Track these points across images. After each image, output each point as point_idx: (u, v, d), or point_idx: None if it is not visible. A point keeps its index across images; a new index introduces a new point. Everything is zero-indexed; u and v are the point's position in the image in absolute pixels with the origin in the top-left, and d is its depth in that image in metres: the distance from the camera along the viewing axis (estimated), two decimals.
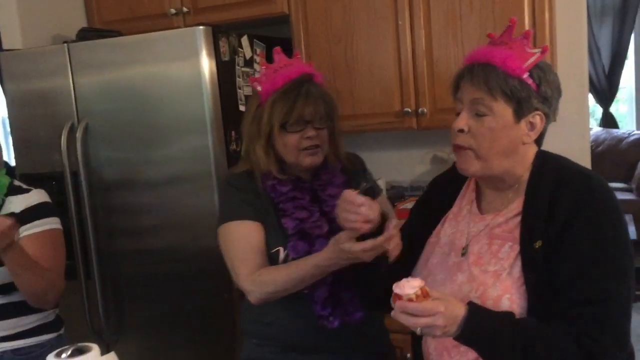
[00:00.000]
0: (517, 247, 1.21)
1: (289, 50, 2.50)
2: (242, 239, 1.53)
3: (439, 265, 1.32)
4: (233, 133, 2.21)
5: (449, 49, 2.27)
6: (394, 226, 1.27)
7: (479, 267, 1.25)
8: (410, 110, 2.35)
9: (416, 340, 1.38)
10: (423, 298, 1.08)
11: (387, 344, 1.77)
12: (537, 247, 1.17)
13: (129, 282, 2.32)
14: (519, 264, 1.19)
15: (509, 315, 1.16)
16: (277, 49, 1.62)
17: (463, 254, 1.28)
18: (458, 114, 1.25)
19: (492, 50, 1.22)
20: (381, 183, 2.57)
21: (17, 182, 1.86)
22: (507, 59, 1.19)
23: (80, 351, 1.06)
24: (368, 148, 2.76)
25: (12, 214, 1.69)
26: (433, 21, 2.29)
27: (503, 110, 1.20)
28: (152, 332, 2.32)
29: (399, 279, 1.11)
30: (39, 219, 1.79)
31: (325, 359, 1.60)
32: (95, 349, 1.07)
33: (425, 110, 2.33)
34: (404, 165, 2.74)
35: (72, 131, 2.28)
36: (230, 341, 2.17)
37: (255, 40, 2.36)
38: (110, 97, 2.26)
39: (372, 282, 1.40)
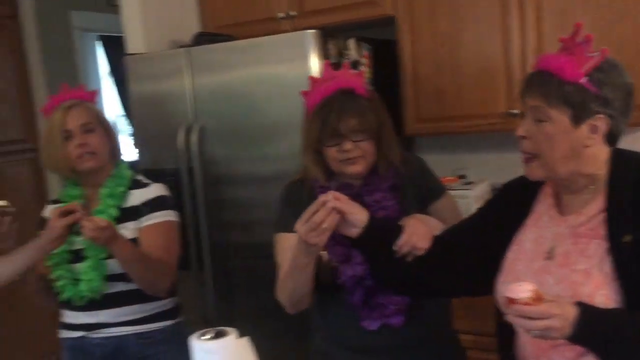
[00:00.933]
0: (604, 244, 1.23)
1: (393, 52, 2.55)
2: (288, 252, 1.58)
3: (525, 270, 1.33)
4: None
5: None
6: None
7: (567, 267, 1.26)
8: (516, 112, 2.32)
9: (504, 343, 1.39)
10: (538, 301, 1.09)
11: (456, 345, 1.76)
12: (626, 241, 1.19)
13: (238, 273, 2.44)
14: (608, 259, 1.21)
15: (620, 310, 1.17)
16: (327, 62, 1.66)
17: (549, 257, 1.30)
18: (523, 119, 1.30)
19: (553, 57, 1.25)
20: (484, 185, 2.56)
21: (138, 177, 1.97)
22: (564, 65, 1.21)
23: (220, 334, 1.14)
24: (472, 149, 2.75)
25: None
26: (544, 21, 2.25)
27: (560, 116, 1.22)
28: (260, 322, 2.42)
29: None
30: (156, 211, 1.88)
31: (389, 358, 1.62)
32: (233, 332, 1.15)
33: None
34: (507, 168, 2.68)
35: (188, 130, 2.43)
36: None
37: (361, 42, 2.42)
38: (224, 98, 2.38)
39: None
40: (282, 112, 2.27)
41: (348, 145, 1.54)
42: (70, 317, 1.93)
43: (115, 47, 4.39)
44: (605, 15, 2.16)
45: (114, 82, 4.56)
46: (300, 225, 1.36)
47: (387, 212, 1.59)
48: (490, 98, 2.38)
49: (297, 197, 1.65)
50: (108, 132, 1.91)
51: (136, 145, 2.63)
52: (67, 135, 1.83)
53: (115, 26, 4.31)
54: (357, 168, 1.57)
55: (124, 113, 4.47)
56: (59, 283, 1.85)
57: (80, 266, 1.84)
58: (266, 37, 2.31)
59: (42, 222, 1.87)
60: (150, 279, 1.83)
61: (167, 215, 1.91)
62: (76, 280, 1.85)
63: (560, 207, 1.34)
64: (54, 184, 3.81)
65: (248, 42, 2.35)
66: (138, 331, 1.90)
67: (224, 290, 2.48)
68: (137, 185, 1.92)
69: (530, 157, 1.28)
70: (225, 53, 2.38)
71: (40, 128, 3.78)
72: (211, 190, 2.45)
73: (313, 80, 1.64)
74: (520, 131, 1.28)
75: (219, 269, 2.47)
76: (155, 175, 2.21)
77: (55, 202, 1.98)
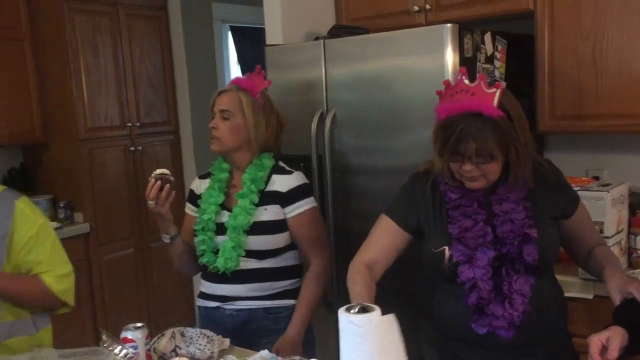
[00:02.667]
0: None
1: (531, 47, 2.50)
2: (380, 234, 1.73)
3: None
4: None
5: None
6: None
7: None
8: None
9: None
10: None
11: (569, 348, 1.72)
12: None
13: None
14: None
15: None
16: (462, 69, 1.59)
17: None
18: None
19: None
20: (621, 188, 2.44)
21: (281, 163, 2.08)
22: None
23: (365, 310, 1.21)
24: (609, 149, 2.63)
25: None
26: None
27: None
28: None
29: None
30: (301, 199, 2.01)
31: (494, 355, 1.61)
32: (377, 309, 1.21)
33: None
34: None
35: (321, 118, 2.53)
36: None
37: (497, 36, 2.39)
38: (357, 88, 2.45)
39: None
40: (414, 105, 2.29)
41: (467, 166, 1.52)
42: (208, 287, 2.08)
43: (243, 37, 4.64)
44: None
45: (242, 70, 4.80)
46: None
47: (514, 225, 1.57)
48: (632, 98, 2.27)
49: (421, 189, 1.69)
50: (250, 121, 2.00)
51: None
52: (212, 117, 2.01)
53: (246, 17, 4.56)
54: (477, 185, 1.57)
55: None
56: (200, 247, 2.02)
57: (221, 239, 1.98)
58: (403, 30, 2.35)
59: (192, 195, 2.12)
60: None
61: (311, 202, 2.04)
62: (215, 252, 2.00)
63: None
64: (191, 163, 4.11)
65: (383, 35, 2.40)
66: (267, 306, 2.02)
67: (344, 276, 2.55)
68: (279, 170, 2.04)
69: None
70: (359, 45, 2.44)
71: (182, 112, 4.07)
72: (339, 178, 2.54)
73: (447, 85, 1.61)
74: None
75: (340, 255, 2.55)
76: (287, 161, 2.33)
77: (203, 176, 2.15)
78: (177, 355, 1.64)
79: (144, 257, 3.86)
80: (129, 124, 3.79)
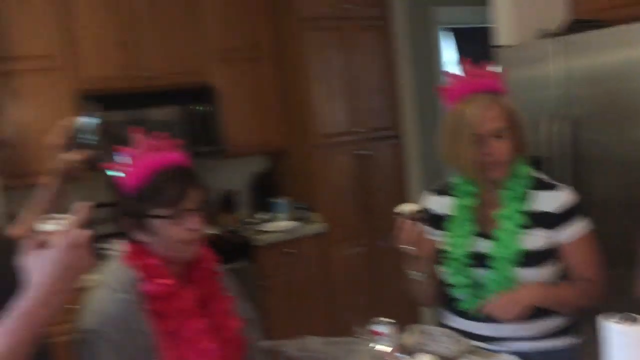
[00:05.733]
0: None
1: None
2: None
3: None
4: None
5: None
6: None
7: None
8: None
9: None
10: None
11: None
12: None
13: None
14: None
15: None
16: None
17: None
18: None
19: None
20: None
21: (541, 175, 1.76)
22: None
23: (630, 319, 1.16)
24: None
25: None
26: None
27: None
28: None
29: None
30: (575, 221, 1.68)
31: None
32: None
33: None
34: None
35: (557, 117, 2.44)
36: None
37: None
38: (595, 84, 2.33)
39: None
40: None
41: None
42: (459, 323, 1.78)
43: (462, 39, 4.60)
44: None
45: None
46: None
47: None
48: None
49: None
50: (515, 130, 1.69)
51: None
52: (477, 140, 1.64)
53: (466, 19, 4.51)
54: None
55: None
56: (457, 290, 1.74)
57: (482, 274, 1.70)
58: None
59: (431, 215, 1.80)
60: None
61: (586, 225, 1.71)
62: (477, 289, 1.71)
63: None
64: (416, 168, 4.21)
65: (625, 29, 2.25)
66: (539, 349, 1.70)
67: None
68: (542, 185, 1.72)
69: None
70: (597, 39, 2.34)
71: (404, 118, 4.20)
72: (577, 174, 2.42)
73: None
74: None
75: None
76: None
77: (440, 192, 1.87)
78: (423, 351, 1.69)
79: (374, 256, 4.05)
80: (357, 130, 4.01)
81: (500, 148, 1.65)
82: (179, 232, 1.45)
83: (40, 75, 3.14)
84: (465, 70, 1.72)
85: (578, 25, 2.53)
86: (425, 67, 4.28)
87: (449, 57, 4.67)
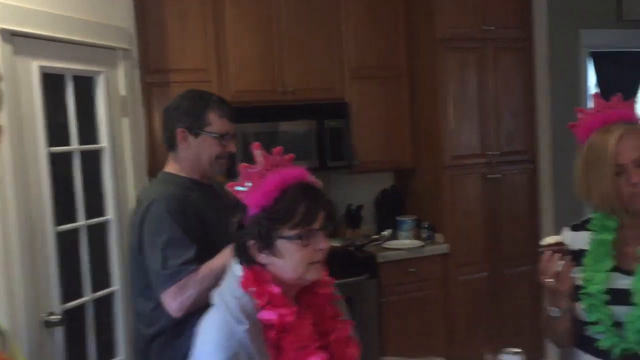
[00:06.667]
0: None
1: None
2: None
3: None
4: None
5: None
6: None
7: None
8: None
9: None
10: None
11: None
12: None
13: None
14: None
15: None
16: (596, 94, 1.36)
17: None
18: None
19: None
20: None
21: None
22: None
23: None
24: None
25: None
26: None
27: None
28: None
29: None
30: None
31: None
32: None
33: None
34: None
35: None
36: None
37: None
38: None
39: None
40: None
41: None
42: None
43: (604, 62, 4.34)
44: None
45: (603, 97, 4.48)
46: None
47: None
48: None
49: None
50: None
51: None
52: (619, 171, 1.60)
53: (612, 42, 4.26)
54: None
55: None
56: (595, 328, 1.66)
57: (622, 311, 1.61)
58: None
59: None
60: None
61: None
62: (616, 327, 1.62)
63: None
64: (548, 195, 4.04)
65: None
66: None
67: None
68: None
69: None
70: None
71: (540, 143, 4.05)
72: None
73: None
74: None
75: None
76: None
77: (576, 227, 1.80)
78: None
79: (496, 283, 3.93)
80: (489, 153, 3.93)
81: None
82: (308, 253, 1.40)
83: (193, 87, 3.41)
84: (596, 103, 1.68)
85: None
86: (567, 92, 4.10)
87: (598, 82, 4.45)
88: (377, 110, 3.91)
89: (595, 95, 1.71)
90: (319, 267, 1.44)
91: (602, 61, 4.34)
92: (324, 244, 1.41)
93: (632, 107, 1.70)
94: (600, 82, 4.42)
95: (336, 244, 3.63)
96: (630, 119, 1.67)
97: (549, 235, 1.73)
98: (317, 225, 1.40)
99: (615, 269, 1.65)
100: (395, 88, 3.97)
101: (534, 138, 4.04)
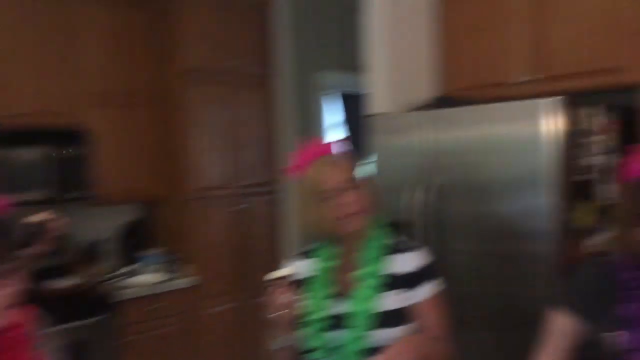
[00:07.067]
0: None
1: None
2: (558, 336, 1.58)
3: None
4: (572, 202, 2.26)
5: None
6: None
7: None
8: None
9: None
10: None
11: None
12: None
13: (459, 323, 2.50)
14: None
15: None
16: None
17: None
18: None
19: None
20: None
21: (398, 239, 1.78)
22: None
23: None
24: None
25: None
26: None
27: None
28: None
29: None
30: (428, 281, 1.71)
31: None
32: None
33: None
34: None
35: (426, 186, 2.59)
36: None
37: (604, 109, 2.39)
38: (461, 157, 2.51)
39: None
40: (513, 173, 2.33)
41: None
42: None
43: (347, 103, 4.80)
44: None
45: (348, 134, 4.94)
46: None
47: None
48: None
49: (595, 273, 1.58)
50: (361, 187, 1.74)
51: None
52: (326, 196, 1.69)
53: (349, 84, 4.72)
54: None
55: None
56: (315, 355, 1.70)
57: (337, 334, 1.68)
58: (510, 103, 2.40)
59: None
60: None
61: (439, 285, 1.75)
62: (336, 351, 1.68)
63: None
64: (288, 226, 4.24)
65: (486, 107, 2.47)
66: None
67: None
68: (398, 248, 1.74)
69: None
70: (463, 115, 2.52)
71: (281, 174, 4.25)
72: (439, 240, 2.56)
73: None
74: None
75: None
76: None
77: (303, 255, 1.85)
78: None
79: (245, 313, 3.98)
80: (235, 184, 4.00)
81: (349, 198, 1.69)
82: None
83: None
84: (304, 147, 1.79)
85: (445, 101, 2.74)
86: (305, 127, 4.38)
87: (335, 120, 4.83)
88: (122, 139, 3.71)
89: (303, 141, 1.82)
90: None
91: (349, 101, 4.77)
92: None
93: (337, 145, 1.82)
94: (348, 120, 4.86)
95: (70, 282, 3.33)
96: (330, 152, 1.79)
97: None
98: None
99: (337, 295, 1.72)
100: (141, 117, 3.82)
101: (275, 170, 4.24)
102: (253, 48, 4.13)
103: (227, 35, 3.96)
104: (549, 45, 2.70)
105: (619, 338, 1.50)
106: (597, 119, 2.38)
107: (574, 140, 2.28)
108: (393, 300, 1.69)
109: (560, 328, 1.57)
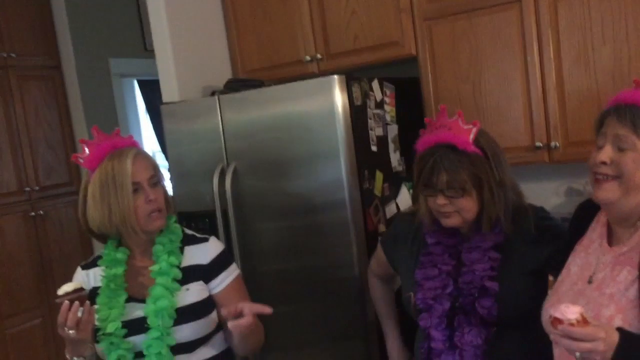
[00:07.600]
0: (635, 272, 1.28)
1: (417, 90, 2.62)
2: (379, 259, 1.94)
3: (567, 292, 1.40)
4: (366, 172, 2.34)
5: (581, 82, 2.26)
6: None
7: (598, 290, 1.33)
8: (541, 145, 2.36)
9: None
10: (583, 324, 1.14)
11: None
12: None
13: (271, 299, 2.49)
14: (634, 287, 1.26)
15: None
16: (443, 106, 1.69)
17: (589, 282, 1.37)
18: (600, 148, 1.35)
19: (638, 93, 1.33)
20: None
21: (188, 231, 1.77)
22: None
23: None
24: None
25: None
26: (564, 55, 2.29)
27: None
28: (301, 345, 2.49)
29: None
30: (225, 269, 1.72)
31: None
32: None
33: (557, 144, 2.34)
34: (537, 198, 2.71)
35: (222, 171, 2.52)
36: None
37: (384, 82, 2.49)
38: (255, 138, 2.47)
39: None
40: (308, 149, 2.36)
41: (440, 199, 1.55)
42: None
43: (150, 89, 4.59)
44: (624, 48, 2.19)
45: (152, 122, 4.74)
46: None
47: (474, 276, 1.57)
48: (513, 132, 2.42)
49: (405, 229, 1.78)
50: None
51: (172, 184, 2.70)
52: (136, 188, 1.62)
53: (148, 70, 4.51)
54: (450, 222, 1.58)
55: (162, 150, 4.64)
56: (113, 355, 1.61)
57: (139, 339, 1.62)
58: (294, 83, 2.40)
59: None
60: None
61: (236, 269, 1.77)
62: (140, 357, 1.62)
63: (610, 238, 1.40)
64: None
65: (275, 89, 2.45)
66: None
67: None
68: (192, 240, 1.73)
69: (607, 179, 1.32)
70: (254, 97, 2.48)
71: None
72: (242, 222, 2.53)
73: (428, 123, 1.67)
74: (604, 157, 1.32)
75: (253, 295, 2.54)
76: (190, 219, 2.30)
77: (89, 265, 1.75)
78: None
79: (53, 326, 3.68)
80: (28, 189, 3.65)
81: (158, 194, 1.65)
82: None
83: None
84: (96, 135, 1.69)
85: (236, 84, 2.68)
86: (103, 118, 4.08)
87: (137, 108, 4.60)
88: None
89: (94, 128, 1.71)
90: None
91: (147, 87, 4.53)
92: None
93: (131, 139, 1.75)
94: (148, 108, 4.62)
95: None
96: (135, 144, 1.72)
97: None
98: None
99: (130, 299, 1.65)
100: None
101: (76, 168, 3.93)
102: (34, 37, 3.75)
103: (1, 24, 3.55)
104: (329, 24, 2.76)
105: (413, 298, 1.63)
106: (380, 92, 2.48)
107: (361, 113, 2.34)
108: (192, 293, 1.65)
109: (379, 254, 1.92)
